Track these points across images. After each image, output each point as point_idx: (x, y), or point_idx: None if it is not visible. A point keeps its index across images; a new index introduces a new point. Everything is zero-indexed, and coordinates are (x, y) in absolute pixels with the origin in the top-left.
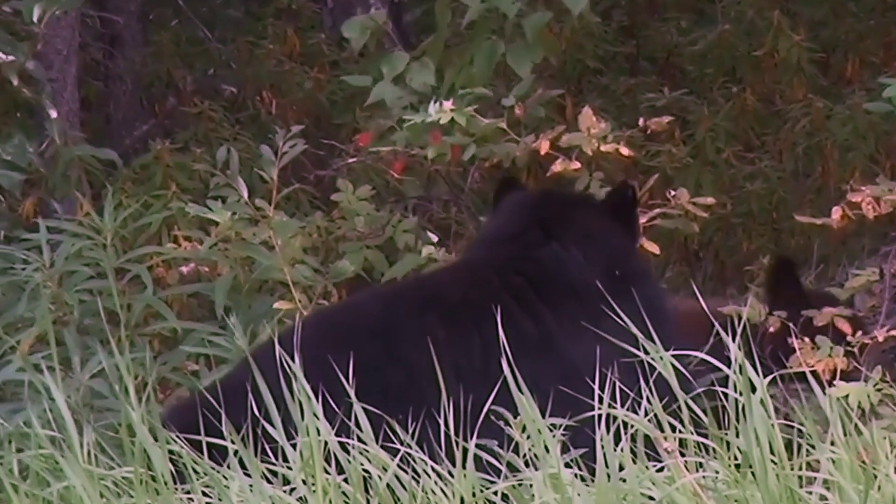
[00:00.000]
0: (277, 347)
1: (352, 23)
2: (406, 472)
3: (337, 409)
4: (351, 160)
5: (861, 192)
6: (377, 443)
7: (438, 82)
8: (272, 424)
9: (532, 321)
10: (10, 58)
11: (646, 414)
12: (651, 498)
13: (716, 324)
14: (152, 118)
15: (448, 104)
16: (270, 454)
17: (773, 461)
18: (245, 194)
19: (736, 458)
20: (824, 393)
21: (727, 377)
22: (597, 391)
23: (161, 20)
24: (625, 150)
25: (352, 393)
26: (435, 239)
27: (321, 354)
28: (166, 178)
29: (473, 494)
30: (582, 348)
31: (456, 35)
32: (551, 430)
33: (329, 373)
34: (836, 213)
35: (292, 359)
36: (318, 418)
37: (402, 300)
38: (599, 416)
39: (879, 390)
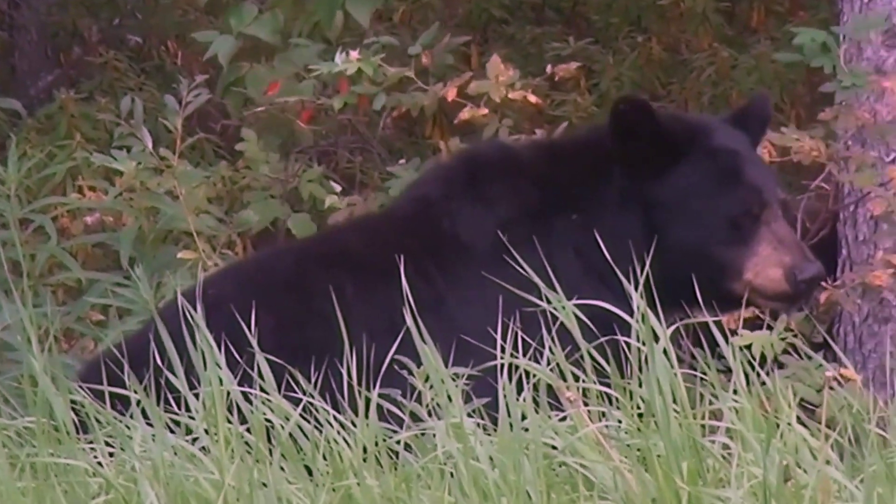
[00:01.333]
0: (181, 300)
1: None
2: (309, 421)
3: (239, 361)
4: (257, 109)
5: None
6: (285, 393)
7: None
8: (176, 375)
9: (424, 281)
10: None
11: (548, 363)
12: (553, 447)
13: None
14: (57, 68)
15: (354, 53)
16: (174, 404)
17: (675, 410)
18: (149, 144)
19: (639, 408)
20: (727, 342)
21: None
22: (499, 341)
23: None
24: (532, 98)
25: (254, 343)
26: (339, 188)
27: (238, 308)
28: (71, 127)
29: (376, 444)
30: (472, 306)
31: None
32: (454, 380)
33: (246, 326)
34: None
35: (196, 311)
36: (220, 368)
37: (312, 255)
38: (501, 365)
39: (783, 339)
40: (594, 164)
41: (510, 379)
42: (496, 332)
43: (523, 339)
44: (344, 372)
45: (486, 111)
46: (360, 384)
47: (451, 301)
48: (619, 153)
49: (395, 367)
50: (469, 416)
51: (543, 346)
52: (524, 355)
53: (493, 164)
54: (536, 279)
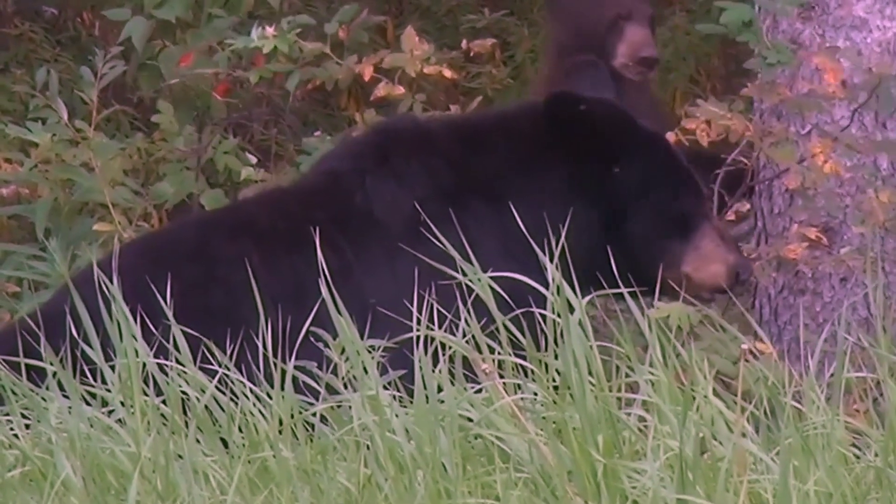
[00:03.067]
0: (96, 271)
1: None
2: (224, 393)
3: (155, 332)
4: (172, 81)
5: (695, 119)
6: (200, 365)
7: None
8: (92, 347)
9: (331, 251)
10: None
11: (464, 335)
12: (469, 419)
13: None
14: None
15: (270, 30)
16: (90, 376)
17: (591, 383)
18: (65, 116)
19: (554, 380)
20: (643, 314)
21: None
22: (414, 313)
23: None
24: (447, 73)
25: (170, 315)
26: (254, 161)
27: (141, 279)
28: None
29: (292, 416)
30: (380, 277)
31: None
32: (370, 352)
33: (151, 296)
34: (671, 138)
35: (111, 282)
36: (136, 340)
37: (216, 225)
38: (417, 337)
39: (699, 311)
40: (530, 153)
41: (425, 351)
42: (407, 304)
43: (438, 312)
44: (260, 344)
45: (402, 89)
46: (274, 355)
47: (359, 271)
48: (558, 146)
49: (311, 338)
50: (385, 388)
51: (458, 319)
52: (439, 327)
53: (406, 141)
54: (453, 253)
